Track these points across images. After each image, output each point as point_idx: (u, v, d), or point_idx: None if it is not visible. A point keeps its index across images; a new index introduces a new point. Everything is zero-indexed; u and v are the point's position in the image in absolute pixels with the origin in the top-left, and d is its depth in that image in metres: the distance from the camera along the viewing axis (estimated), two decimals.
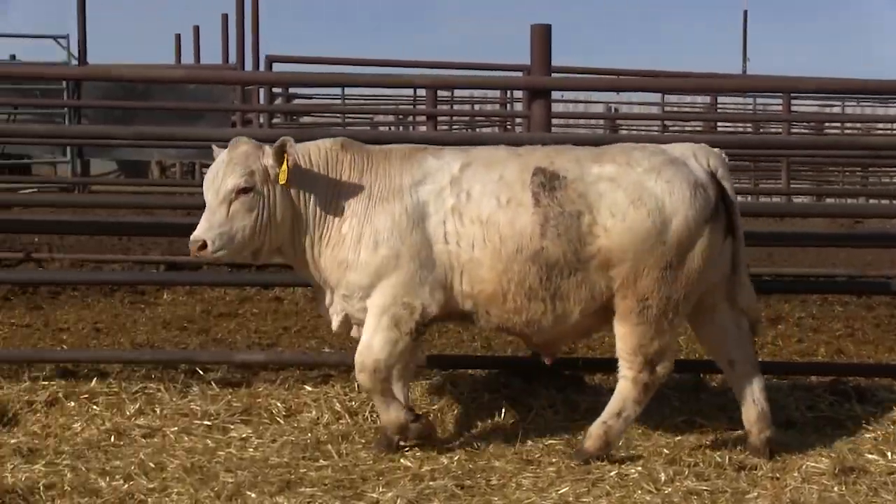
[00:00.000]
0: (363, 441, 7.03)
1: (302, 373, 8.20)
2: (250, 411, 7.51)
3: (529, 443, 7.08)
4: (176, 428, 7.23)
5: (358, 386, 6.95)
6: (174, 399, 7.64)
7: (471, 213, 6.59)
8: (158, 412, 7.48)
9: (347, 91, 26.25)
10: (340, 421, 7.43)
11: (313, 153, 6.76)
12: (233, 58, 23.92)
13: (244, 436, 7.12)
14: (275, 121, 20.80)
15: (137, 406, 7.51)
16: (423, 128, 20.75)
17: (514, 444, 7.04)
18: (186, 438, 7.07)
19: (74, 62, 24.95)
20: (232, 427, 7.27)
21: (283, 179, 6.60)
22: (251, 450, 6.90)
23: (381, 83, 11.30)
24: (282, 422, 7.39)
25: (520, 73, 16.71)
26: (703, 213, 6.60)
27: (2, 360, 8.48)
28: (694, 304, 6.76)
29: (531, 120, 8.44)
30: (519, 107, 23.34)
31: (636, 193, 6.55)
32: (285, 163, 6.59)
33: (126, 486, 6.02)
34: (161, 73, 11.08)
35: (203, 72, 12.27)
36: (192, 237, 6.48)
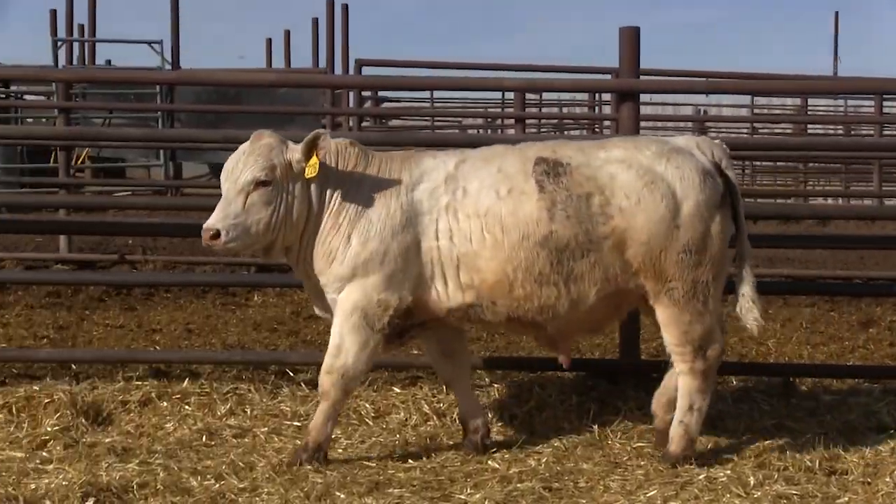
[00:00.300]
0: (451, 443, 7.03)
1: (390, 374, 8.23)
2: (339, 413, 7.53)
3: (617, 445, 7.05)
4: (266, 428, 7.29)
5: (321, 389, 6.72)
6: (264, 400, 7.70)
7: (466, 208, 6.58)
8: (249, 413, 7.54)
9: (436, 94, 26.27)
10: (428, 423, 7.45)
11: (331, 149, 6.70)
12: (323, 62, 24.07)
13: (333, 437, 7.15)
14: (364, 124, 20.89)
15: (228, 406, 7.58)
16: (512, 131, 20.73)
17: (602, 447, 7.01)
18: (276, 439, 7.11)
19: (168, 67, 25.27)
20: None
21: (311, 173, 6.55)
22: (340, 451, 6.93)
23: (470, 86, 11.28)
24: (370, 423, 7.41)
25: (608, 76, 16.63)
26: (714, 198, 6.65)
27: (96, 360, 8.60)
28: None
29: (619, 123, 8.40)
30: (607, 110, 23.24)
31: (648, 177, 6.58)
32: (315, 157, 6.55)
33: (217, 485, 6.07)
34: (253, 78, 11.16)
35: (294, 76, 12.36)
36: (205, 225, 6.43)
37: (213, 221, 6.43)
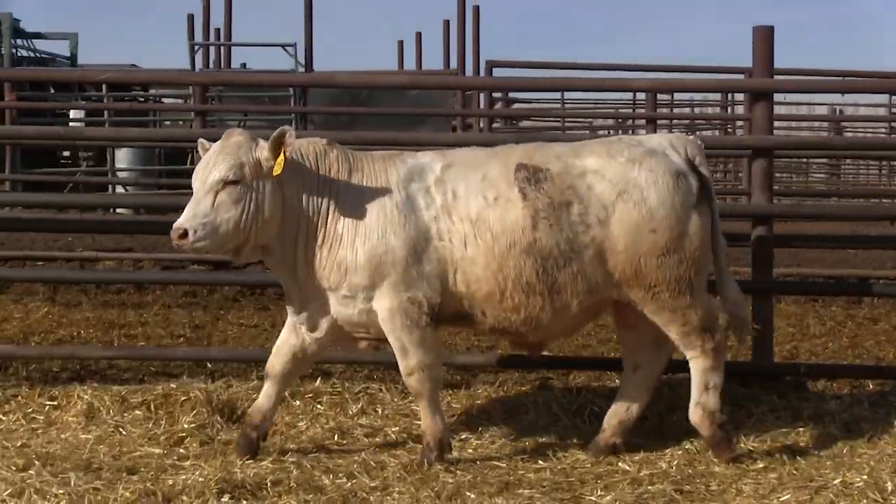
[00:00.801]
0: (581, 443, 7.00)
1: (521, 375, 8.21)
2: (470, 412, 7.56)
3: (750, 448, 6.95)
4: (397, 428, 7.33)
5: (411, 391, 6.75)
6: (395, 399, 7.74)
7: (459, 211, 6.53)
8: (380, 412, 7.58)
9: (567, 95, 26.20)
10: (558, 423, 7.42)
11: (304, 149, 6.61)
12: (454, 63, 24.12)
13: (464, 437, 7.16)
14: (494, 125, 20.92)
15: (360, 406, 7.63)
16: (643, 131, 20.58)
17: (734, 450, 6.92)
18: (407, 438, 7.14)
19: (301, 69, 25.54)
20: (452, 428, 7.31)
21: (277, 171, 6.42)
22: (470, 451, 6.94)
23: (601, 87, 11.23)
24: (501, 424, 7.41)
25: (741, 76, 16.44)
26: (688, 198, 6.61)
27: (231, 359, 8.73)
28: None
29: (753, 122, 8.30)
30: (740, 109, 22.96)
31: (622, 185, 6.55)
32: (282, 154, 6.42)
33: (349, 483, 6.12)
34: (385, 80, 11.27)
35: (425, 77, 12.42)
36: (174, 225, 6.29)
37: (182, 221, 6.31)
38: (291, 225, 6.53)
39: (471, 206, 6.53)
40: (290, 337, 6.85)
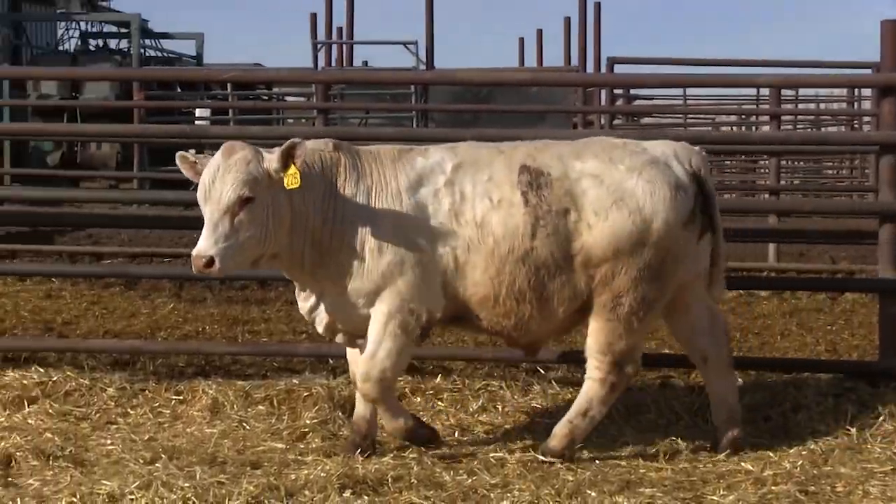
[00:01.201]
0: (703, 443, 6.92)
1: (641, 373, 8.16)
2: None
3: (877, 450, 6.81)
4: (517, 425, 7.31)
5: (363, 396, 6.61)
6: (516, 397, 7.72)
7: (465, 214, 6.43)
8: (500, 409, 7.57)
9: (689, 91, 25.97)
10: (680, 422, 7.36)
11: (309, 157, 6.43)
12: (575, 60, 24.05)
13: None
14: (616, 122, 20.79)
15: (480, 403, 7.63)
16: (766, 128, 20.33)
17: (860, 451, 6.80)
18: (527, 436, 7.12)
19: (422, 67, 25.64)
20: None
21: (293, 183, 6.25)
22: (590, 449, 6.89)
23: (723, 83, 11.14)
24: (621, 422, 7.36)
25: (868, 70, 16.14)
26: (682, 215, 6.53)
27: None
28: (671, 300, 6.65)
29: (880, 118, 8.14)
30: (867, 105, 22.56)
31: (618, 193, 6.44)
32: (293, 166, 6.25)
33: (469, 480, 6.12)
34: (506, 77, 11.25)
35: (546, 75, 12.38)
36: (196, 252, 6.10)
37: (205, 248, 6.10)
38: (300, 233, 6.42)
39: (476, 208, 6.45)
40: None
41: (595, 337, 6.60)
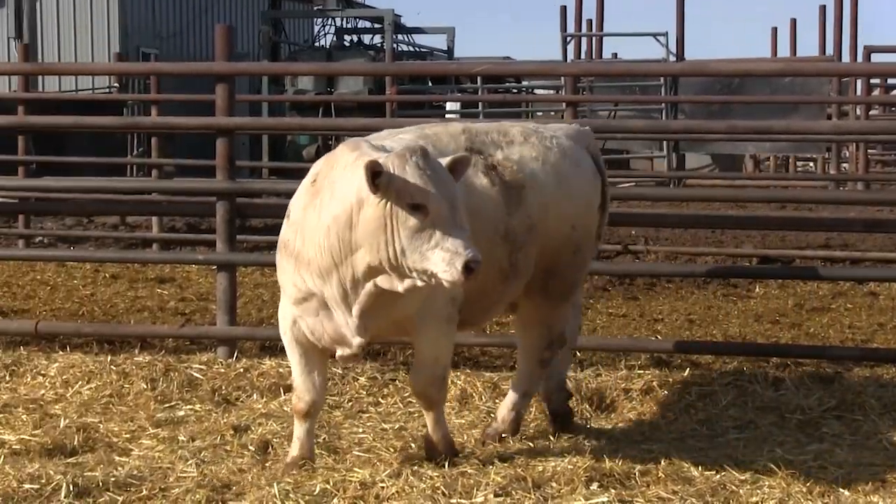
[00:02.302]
0: None
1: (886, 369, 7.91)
2: (842, 407, 7.31)
3: None
4: (767, 421, 7.17)
5: (427, 402, 6.18)
6: (767, 392, 7.58)
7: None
8: (749, 404, 7.44)
9: None
10: None
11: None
12: (830, 49, 23.45)
13: (836, 432, 6.94)
14: (872, 112, 20.21)
15: (729, 398, 7.51)
16: None
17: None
18: (777, 432, 6.98)
19: (672, 58, 25.39)
20: (824, 423, 7.11)
21: None
22: (844, 447, 6.70)
23: None
24: (876, 419, 7.14)
25: None
26: (598, 196, 6.62)
27: (600, 348, 8.77)
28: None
29: None
30: None
31: (559, 177, 6.34)
32: None
33: (718, 476, 6.02)
34: (759, 67, 11.06)
35: (800, 64, 12.09)
36: (475, 256, 5.32)
37: (476, 252, 5.38)
38: None
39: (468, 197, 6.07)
40: None
41: (530, 317, 6.60)
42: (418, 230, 5.37)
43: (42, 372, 8.12)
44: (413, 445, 6.53)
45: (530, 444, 6.65)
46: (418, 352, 6.16)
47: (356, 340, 5.74)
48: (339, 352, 5.86)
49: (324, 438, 6.71)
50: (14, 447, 6.51)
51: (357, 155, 5.59)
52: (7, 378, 8.08)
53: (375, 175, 5.39)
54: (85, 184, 11.40)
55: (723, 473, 6.05)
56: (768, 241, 15.99)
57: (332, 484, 5.65)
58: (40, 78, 26.81)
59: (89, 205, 11.60)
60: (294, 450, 6.11)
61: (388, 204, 5.41)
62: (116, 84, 25.35)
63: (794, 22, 29.07)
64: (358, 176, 5.44)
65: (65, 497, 5.53)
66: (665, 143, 23.74)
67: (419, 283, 5.47)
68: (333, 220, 5.55)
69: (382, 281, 5.53)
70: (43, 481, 5.66)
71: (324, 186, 5.68)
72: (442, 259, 5.32)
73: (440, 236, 5.35)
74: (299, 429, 6.09)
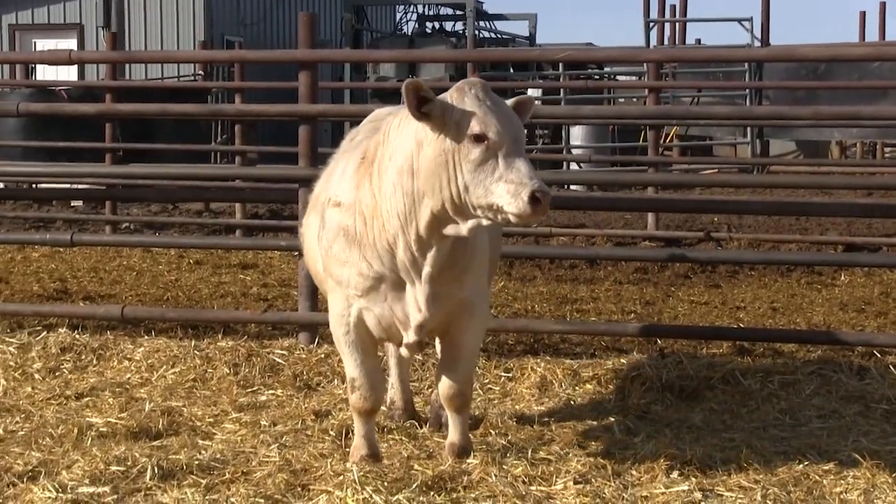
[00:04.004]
0: None
1: None
2: None
3: None
4: (852, 410, 7.09)
5: (462, 404, 5.96)
6: (851, 381, 7.49)
7: None
8: (834, 394, 7.36)
9: None
10: None
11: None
12: None
13: None
14: None
15: (813, 387, 7.43)
16: None
17: None
18: (863, 421, 6.90)
19: (757, 44, 25.14)
20: None
21: None
22: None
23: None
24: None
25: None
26: None
27: (681, 335, 8.72)
28: None
29: None
30: None
31: None
32: None
33: (801, 465, 5.96)
34: (847, 52, 10.89)
35: (888, 49, 11.89)
36: (541, 186, 5.02)
37: (542, 182, 5.09)
38: None
39: None
40: None
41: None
42: (481, 162, 5.13)
43: (128, 356, 8.24)
44: (493, 432, 6.54)
45: (612, 432, 6.63)
46: (460, 343, 5.82)
47: (422, 314, 5.55)
48: (405, 338, 5.70)
49: (408, 424, 6.74)
50: (101, 430, 6.60)
51: (403, 111, 5.42)
52: (94, 362, 8.21)
53: (421, 101, 5.24)
54: (170, 170, 11.49)
55: (806, 463, 6.00)
56: (854, 228, 15.81)
57: (411, 471, 5.67)
58: (127, 66, 27.16)
59: (174, 191, 11.74)
60: (362, 449, 5.96)
61: (448, 139, 5.21)
62: (201, 72, 25.52)
63: (883, 6, 28.65)
64: (413, 124, 5.34)
65: (150, 479, 5.61)
66: (749, 129, 23.53)
67: (484, 222, 5.24)
68: (397, 174, 5.37)
69: (449, 229, 5.34)
70: (129, 463, 5.75)
71: (378, 156, 5.53)
72: (507, 191, 5.05)
73: (504, 168, 5.10)
74: (364, 427, 5.97)
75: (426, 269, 5.46)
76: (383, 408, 6.82)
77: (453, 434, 6.03)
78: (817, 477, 5.80)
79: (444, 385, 5.91)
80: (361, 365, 5.85)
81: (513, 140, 5.16)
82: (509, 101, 5.43)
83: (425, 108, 5.24)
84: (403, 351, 5.87)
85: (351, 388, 5.94)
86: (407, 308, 5.60)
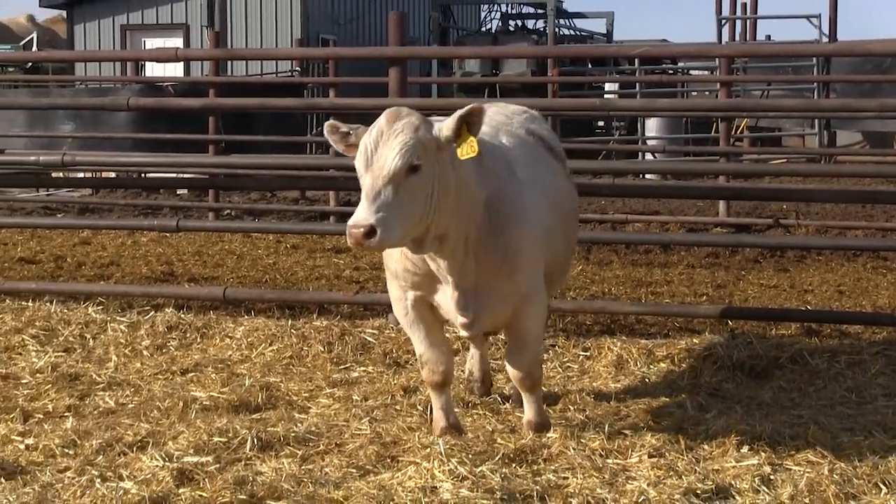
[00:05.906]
0: None
1: None
2: None
3: None
4: None
5: (533, 384, 5.93)
6: None
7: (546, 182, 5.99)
8: None
9: None
10: None
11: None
12: None
13: None
14: None
15: (878, 366, 7.32)
16: None
17: None
18: None
19: (825, 39, 24.82)
20: None
21: (470, 153, 5.23)
22: None
23: None
24: None
25: None
26: None
27: (752, 317, 8.63)
28: None
29: None
30: None
31: None
32: (468, 133, 5.21)
33: (867, 442, 5.86)
34: None
35: None
36: (354, 222, 4.92)
37: (365, 216, 4.92)
38: (465, 209, 5.37)
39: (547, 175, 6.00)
40: None
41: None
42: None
43: (229, 335, 8.30)
44: (572, 408, 6.51)
45: (685, 408, 6.57)
46: (523, 330, 5.81)
47: (465, 317, 5.57)
48: (461, 318, 5.62)
49: (489, 400, 6.73)
50: (204, 403, 6.67)
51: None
52: (198, 340, 8.28)
53: (343, 136, 5.33)
54: (268, 161, 11.56)
55: (871, 439, 5.91)
56: None
57: (494, 444, 5.66)
58: (229, 63, 27.37)
59: (272, 181, 11.79)
60: (441, 421, 5.92)
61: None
62: (298, 68, 25.67)
63: None
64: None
65: (250, 450, 5.65)
66: (816, 121, 23.24)
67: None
68: None
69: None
70: (230, 435, 5.80)
71: None
72: None
73: None
74: (439, 400, 5.93)
75: (450, 279, 5.51)
76: (463, 377, 6.83)
77: (528, 412, 6.04)
78: (882, 452, 5.71)
79: (513, 369, 5.93)
80: (425, 339, 5.90)
81: (363, 171, 5.08)
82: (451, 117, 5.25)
83: (350, 140, 5.30)
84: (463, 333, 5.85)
85: (421, 363, 5.99)
86: (453, 306, 5.64)
